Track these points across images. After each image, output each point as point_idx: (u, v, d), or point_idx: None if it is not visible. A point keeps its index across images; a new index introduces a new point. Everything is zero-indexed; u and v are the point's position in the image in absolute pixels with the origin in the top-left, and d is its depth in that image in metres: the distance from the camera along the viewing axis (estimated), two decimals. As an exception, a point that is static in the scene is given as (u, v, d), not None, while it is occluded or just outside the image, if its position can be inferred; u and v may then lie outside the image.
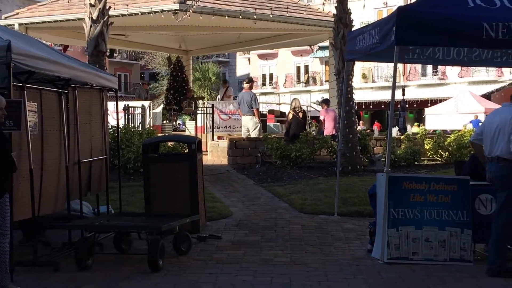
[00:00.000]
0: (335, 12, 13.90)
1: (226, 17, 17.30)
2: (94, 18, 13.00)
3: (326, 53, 33.85)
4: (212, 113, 16.93)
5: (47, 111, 6.79)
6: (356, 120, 15.20)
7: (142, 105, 18.25)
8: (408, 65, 37.35)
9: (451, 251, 6.67)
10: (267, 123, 20.34)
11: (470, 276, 6.23)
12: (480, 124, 23.06)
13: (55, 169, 6.93)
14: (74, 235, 7.26)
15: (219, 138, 16.37)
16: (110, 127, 10.58)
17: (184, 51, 24.47)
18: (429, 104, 34.44)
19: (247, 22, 18.04)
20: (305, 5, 20.65)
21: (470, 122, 25.46)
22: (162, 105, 23.30)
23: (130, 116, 17.22)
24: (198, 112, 18.12)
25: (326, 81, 40.44)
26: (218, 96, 23.53)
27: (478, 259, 6.81)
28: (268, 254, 7.14)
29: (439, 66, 36.88)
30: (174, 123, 19.77)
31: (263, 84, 50.15)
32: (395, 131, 21.26)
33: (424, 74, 40.93)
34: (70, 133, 7.32)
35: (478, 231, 6.71)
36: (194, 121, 17.59)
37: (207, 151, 15.38)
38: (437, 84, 39.67)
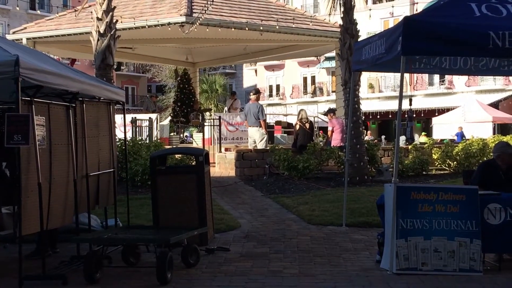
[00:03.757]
0: (341, 23, 13.93)
1: (233, 29, 17.38)
2: (101, 31, 13.09)
3: (332, 64, 33.87)
4: (220, 125, 16.96)
5: (55, 125, 6.81)
6: (364, 130, 15.17)
7: (150, 117, 18.31)
8: (415, 74, 37.29)
9: (461, 261, 6.63)
10: (274, 134, 20.35)
11: (480, 286, 6.19)
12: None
13: (63, 183, 6.94)
14: (82, 248, 7.26)
15: (226, 150, 16.40)
16: (117, 140, 10.60)
17: (191, 63, 24.57)
18: (436, 114, 34.39)
19: (254, 34, 18.10)
20: (311, 16, 20.71)
21: (456, 134, 25.60)
22: (169, 118, 23.36)
23: (137, 129, 17.28)
24: (205, 124, 18.14)
25: (333, 91, 40.41)
26: (225, 108, 23.57)
27: (487, 269, 6.77)
28: (276, 266, 7.11)
29: (446, 75, 36.82)
30: (181, 135, 19.81)
31: (270, 95, 50.23)
32: (402, 141, 21.20)
33: (431, 83, 40.86)
34: (78, 147, 7.33)
35: (488, 241, 6.68)
36: (202, 133, 17.64)
37: (214, 163, 15.40)
38: (444, 93, 39.59)
